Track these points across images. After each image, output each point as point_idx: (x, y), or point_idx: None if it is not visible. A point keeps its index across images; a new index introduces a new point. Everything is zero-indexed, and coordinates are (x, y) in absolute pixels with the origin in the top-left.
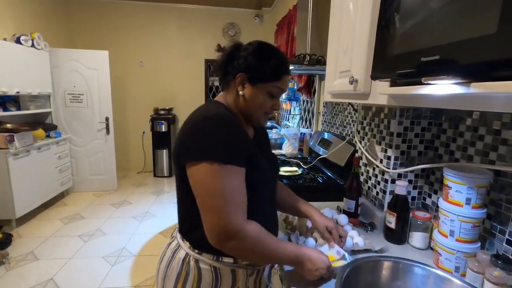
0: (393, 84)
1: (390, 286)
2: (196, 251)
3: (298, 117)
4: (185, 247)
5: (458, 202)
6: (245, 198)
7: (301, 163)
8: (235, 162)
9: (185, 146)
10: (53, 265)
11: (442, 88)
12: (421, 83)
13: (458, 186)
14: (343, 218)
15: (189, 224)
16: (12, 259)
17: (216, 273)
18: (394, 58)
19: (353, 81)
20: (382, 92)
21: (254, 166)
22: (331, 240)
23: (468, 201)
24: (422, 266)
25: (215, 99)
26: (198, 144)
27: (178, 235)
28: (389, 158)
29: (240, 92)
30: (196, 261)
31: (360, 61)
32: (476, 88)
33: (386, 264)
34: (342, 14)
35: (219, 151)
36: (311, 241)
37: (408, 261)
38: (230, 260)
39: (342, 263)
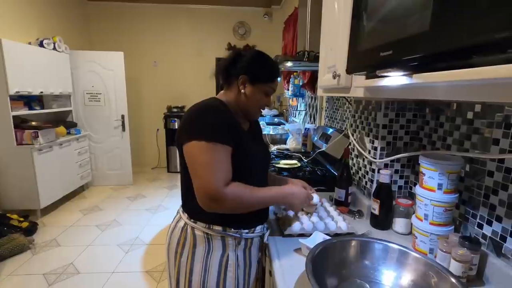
0: (368, 77)
1: (357, 262)
2: (192, 220)
3: (303, 113)
4: (184, 218)
5: (431, 188)
6: (227, 167)
7: (303, 157)
8: (218, 140)
9: (182, 129)
10: (73, 251)
11: (395, 80)
12: (382, 76)
13: (431, 173)
14: (315, 198)
15: (188, 196)
16: (37, 245)
17: (209, 239)
18: (362, 53)
19: (335, 76)
20: (356, 85)
21: (245, 149)
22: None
23: (440, 186)
24: (380, 242)
25: (215, 96)
26: (190, 127)
27: (181, 209)
28: (375, 148)
29: (242, 90)
30: (192, 228)
31: (342, 57)
32: (417, 78)
33: (353, 243)
34: (329, 11)
35: (204, 131)
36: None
37: (371, 239)
38: (219, 228)
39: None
